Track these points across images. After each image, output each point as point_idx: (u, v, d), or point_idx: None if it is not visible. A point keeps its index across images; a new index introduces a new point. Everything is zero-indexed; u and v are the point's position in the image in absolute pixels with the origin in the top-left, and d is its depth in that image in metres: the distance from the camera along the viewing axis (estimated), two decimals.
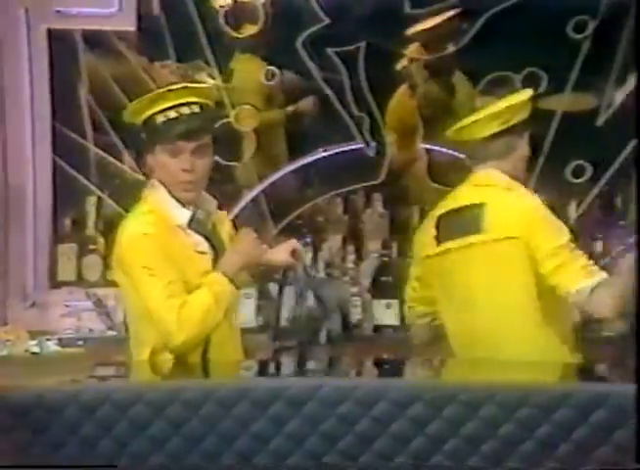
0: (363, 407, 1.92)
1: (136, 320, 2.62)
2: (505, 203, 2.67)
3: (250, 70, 4.02)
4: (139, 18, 3.99)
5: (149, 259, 2.48)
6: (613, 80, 3.82)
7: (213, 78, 4.00)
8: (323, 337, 2.63)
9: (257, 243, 2.58)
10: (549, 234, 2.60)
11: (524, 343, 2.61)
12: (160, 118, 2.54)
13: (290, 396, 1.93)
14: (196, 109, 2.56)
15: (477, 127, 2.70)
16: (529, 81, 3.80)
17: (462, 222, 2.70)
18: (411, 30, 3.94)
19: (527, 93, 2.78)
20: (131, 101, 3.84)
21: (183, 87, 2.59)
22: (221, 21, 4.01)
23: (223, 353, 2.55)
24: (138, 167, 3.97)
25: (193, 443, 1.95)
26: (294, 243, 2.72)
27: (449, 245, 2.71)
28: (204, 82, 3.93)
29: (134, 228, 2.56)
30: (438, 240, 2.74)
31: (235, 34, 4.00)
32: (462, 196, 2.75)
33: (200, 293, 2.48)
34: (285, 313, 2.72)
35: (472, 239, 2.66)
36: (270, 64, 4.00)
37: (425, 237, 2.79)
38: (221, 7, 4.00)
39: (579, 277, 2.54)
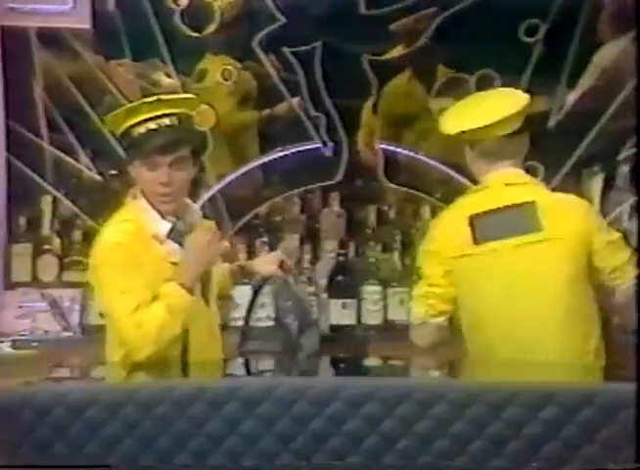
0: (318, 407, 1.93)
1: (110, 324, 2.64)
2: (556, 200, 2.74)
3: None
4: (94, 16, 3.95)
5: (118, 270, 2.49)
6: (563, 83, 3.89)
7: (170, 77, 3.99)
8: (302, 353, 2.65)
9: (209, 245, 2.55)
10: (608, 229, 2.75)
11: (556, 340, 2.67)
12: (139, 130, 2.54)
13: (244, 396, 1.95)
14: (175, 120, 2.56)
15: (501, 126, 2.73)
16: (483, 83, 3.86)
17: (511, 221, 2.73)
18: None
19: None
20: (87, 99, 3.93)
21: (157, 99, 2.59)
22: (177, 19, 3.99)
23: (203, 354, 2.56)
24: (95, 167, 3.95)
25: (146, 443, 1.97)
26: (279, 254, 2.75)
27: (495, 244, 2.73)
28: (161, 82, 3.93)
29: (109, 236, 2.57)
30: (477, 240, 2.75)
31: (191, 33, 3.99)
32: (498, 196, 2.78)
33: (154, 308, 2.48)
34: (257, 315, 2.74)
35: (531, 237, 2.69)
36: (227, 63, 4.00)
37: (457, 238, 2.79)
38: (177, 6, 3.99)
39: (632, 272, 2.63)
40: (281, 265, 2.71)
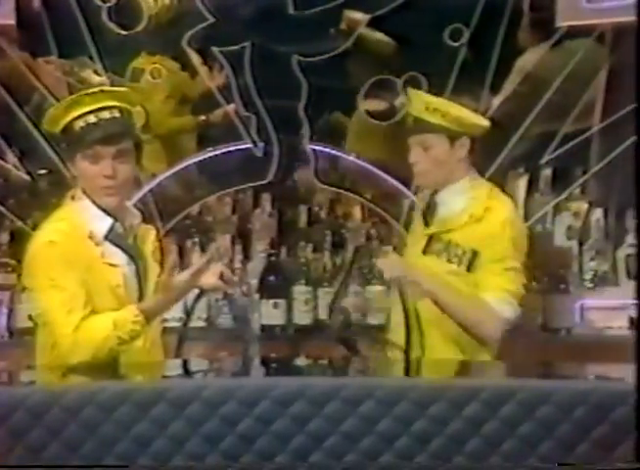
0: (246, 406, 1.94)
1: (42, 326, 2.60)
2: None
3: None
4: (18, 11, 3.87)
5: (52, 269, 2.48)
6: (487, 87, 3.99)
7: (99, 75, 3.94)
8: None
9: (181, 287, 2.56)
10: None
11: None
12: (79, 124, 2.51)
13: (172, 397, 1.96)
14: (116, 113, 2.55)
15: None
16: (410, 85, 3.93)
17: None
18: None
19: None
20: (14, 97, 3.85)
21: (100, 90, 2.59)
22: (105, 17, 3.95)
23: (137, 357, 2.56)
24: (22, 167, 3.87)
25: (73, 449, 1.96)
26: (221, 267, 2.75)
27: None
28: (90, 79, 3.88)
29: (42, 235, 2.55)
30: None
31: (119, 31, 3.95)
32: None
33: (101, 319, 2.47)
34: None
35: None
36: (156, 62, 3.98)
37: None
38: (104, 3, 3.94)
39: None
40: (222, 277, 2.73)
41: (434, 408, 1.95)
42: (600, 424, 1.93)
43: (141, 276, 2.62)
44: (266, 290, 3.76)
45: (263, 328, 3.77)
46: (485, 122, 3.03)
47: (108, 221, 2.57)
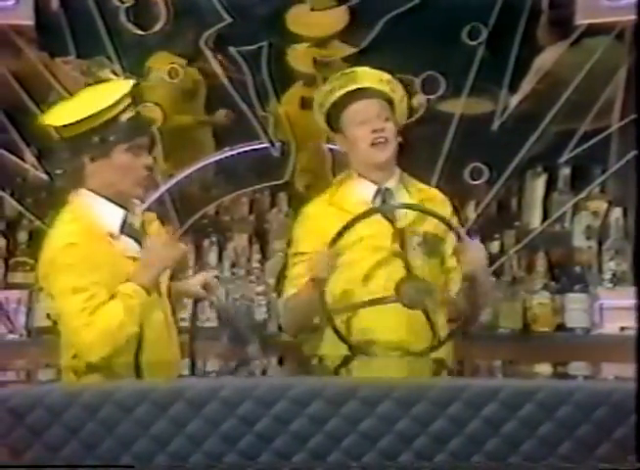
0: (264, 406, 1.94)
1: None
2: None
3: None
4: (37, 12, 3.90)
5: (74, 272, 2.46)
6: (506, 86, 3.97)
7: (117, 75, 3.95)
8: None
9: (167, 247, 2.54)
10: None
11: None
12: (126, 116, 2.51)
13: (190, 397, 1.95)
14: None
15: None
16: (428, 84, 3.93)
17: None
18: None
19: None
20: (32, 97, 3.86)
21: (136, 83, 2.62)
22: (123, 17, 3.96)
23: (158, 354, 2.55)
24: (41, 166, 3.89)
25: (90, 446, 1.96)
26: (206, 275, 2.75)
27: None
28: (107, 79, 3.89)
29: (60, 238, 2.52)
30: None
31: (137, 31, 3.96)
32: None
33: (111, 308, 2.46)
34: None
35: None
36: (173, 62, 3.98)
37: None
38: (122, 3, 3.95)
39: None
40: (205, 286, 2.72)
41: (452, 408, 1.94)
42: (620, 425, 1.91)
43: None
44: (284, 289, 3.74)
45: (281, 327, 3.78)
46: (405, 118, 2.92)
47: (120, 214, 2.55)
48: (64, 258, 2.48)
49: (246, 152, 4.00)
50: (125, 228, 2.55)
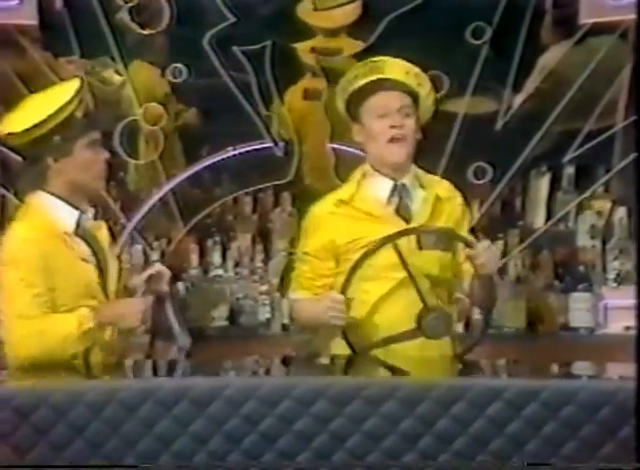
0: (268, 406, 1.94)
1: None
2: None
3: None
4: (41, 11, 3.90)
5: (24, 266, 2.47)
6: (510, 86, 3.97)
7: (120, 75, 3.95)
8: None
9: (139, 314, 2.51)
10: None
11: None
12: (81, 111, 2.54)
13: (194, 396, 1.95)
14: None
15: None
16: (432, 83, 3.91)
17: None
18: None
19: None
20: None
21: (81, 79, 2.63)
22: (126, 17, 3.96)
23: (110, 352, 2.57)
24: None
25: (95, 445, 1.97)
26: (155, 266, 2.67)
27: None
28: (111, 79, 3.90)
29: (19, 232, 2.53)
30: None
31: (140, 31, 3.97)
32: None
33: (61, 318, 2.47)
34: None
35: None
36: (176, 61, 3.98)
37: None
38: (126, 3, 3.95)
39: None
40: (150, 278, 2.61)
41: (456, 408, 1.93)
42: (625, 424, 1.91)
43: (103, 270, 2.59)
44: (287, 289, 3.75)
45: (284, 327, 3.78)
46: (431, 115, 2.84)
47: (75, 215, 2.55)
48: (18, 252, 2.49)
49: (249, 151, 3.99)
50: (79, 230, 2.56)
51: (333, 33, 3.98)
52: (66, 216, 2.55)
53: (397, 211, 2.70)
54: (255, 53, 3.97)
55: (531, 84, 3.96)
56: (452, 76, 3.94)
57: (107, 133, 2.73)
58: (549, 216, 3.95)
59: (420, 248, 2.66)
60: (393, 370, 2.46)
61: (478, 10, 3.93)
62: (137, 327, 2.53)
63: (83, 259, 2.53)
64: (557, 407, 1.92)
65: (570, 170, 3.95)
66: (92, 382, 2.33)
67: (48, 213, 2.54)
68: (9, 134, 2.54)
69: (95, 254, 2.57)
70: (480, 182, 3.97)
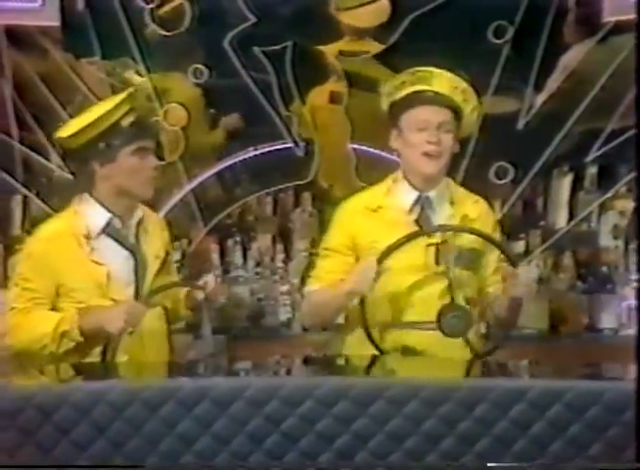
0: (290, 406, 1.94)
1: None
2: None
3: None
4: (63, 13, 3.92)
5: (26, 261, 2.65)
6: (532, 85, 3.95)
7: (141, 76, 3.96)
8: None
9: (120, 319, 2.53)
10: None
11: None
12: (128, 120, 2.63)
13: (215, 396, 1.95)
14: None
15: None
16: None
17: None
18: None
19: None
20: (57, 98, 3.89)
21: (132, 91, 2.74)
22: (147, 18, 3.97)
23: (143, 355, 2.62)
24: (65, 166, 3.91)
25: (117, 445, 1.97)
26: (207, 279, 2.71)
27: None
28: (132, 80, 3.91)
29: (37, 230, 2.71)
30: None
31: (162, 32, 3.98)
32: None
33: (50, 315, 2.57)
34: None
35: None
36: (198, 62, 3.99)
37: None
38: (147, 4, 3.97)
39: None
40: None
41: (479, 409, 1.92)
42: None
43: (139, 273, 2.67)
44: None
45: (305, 327, 3.77)
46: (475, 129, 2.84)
47: (105, 218, 2.65)
48: (27, 248, 2.68)
49: (270, 152, 3.99)
50: (109, 230, 2.64)
51: (360, 34, 3.97)
52: (94, 219, 2.64)
53: (417, 222, 2.70)
54: (276, 53, 3.96)
55: (553, 83, 3.93)
56: (473, 76, 3.90)
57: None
58: (571, 217, 3.92)
59: (437, 263, 2.65)
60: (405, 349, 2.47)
61: (499, 9, 3.91)
62: (121, 332, 2.55)
63: (94, 261, 2.61)
64: (582, 409, 1.90)
65: (592, 170, 3.92)
66: (113, 381, 2.32)
67: (76, 215, 2.65)
68: (60, 138, 2.69)
69: (133, 255, 2.65)
70: (502, 182, 3.96)
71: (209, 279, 2.70)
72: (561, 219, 3.96)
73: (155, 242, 2.72)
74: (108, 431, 1.96)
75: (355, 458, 1.92)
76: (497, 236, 2.79)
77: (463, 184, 3.40)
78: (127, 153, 2.63)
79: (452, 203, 2.74)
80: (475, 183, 3.72)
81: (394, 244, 2.58)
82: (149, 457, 1.93)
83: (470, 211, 2.73)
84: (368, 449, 1.92)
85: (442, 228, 2.67)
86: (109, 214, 2.64)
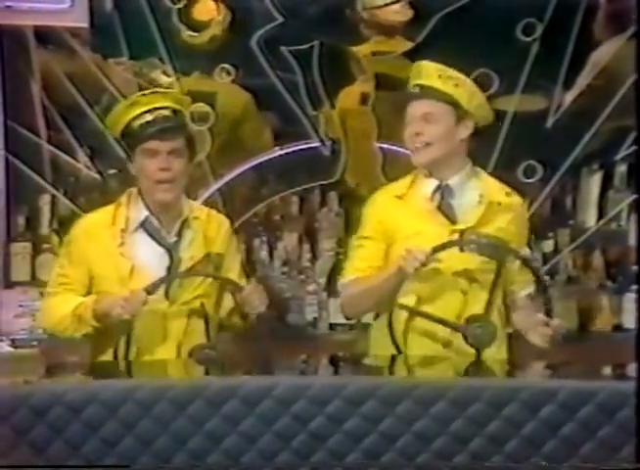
0: (317, 405, 1.93)
1: None
2: None
3: None
4: (91, 14, 3.94)
5: (64, 248, 2.80)
6: (561, 83, 3.92)
7: (168, 76, 3.98)
8: None
9: (128, 306, 2.60)
10: None
11: None
12: (139, 122, 2.70)
13: (244, 395, 1.95)
14: (169, 112, 2.74)
15: None
16: (481, 82, 3.87)
17: None
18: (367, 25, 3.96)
19: None
20: (85, 98, 3.92)
21: (153, 92, 2.82)
22: (175, 18, 3.99)
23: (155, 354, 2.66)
24: (93, 166, 3.94)
25: (145, 443, 1.97)
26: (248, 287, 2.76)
27: None
28: (160, 80, 3.93)
29: (80, 221, 2.83)
30: None
31: (189, 32, 3.99)
32: None
33: (73, 299, 2.67)
34: None
35: None
36: (225, 62, 4.00)
37: None
38: (174, 4, 3.98)
39: None
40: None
41: (507, 409, 1.92)
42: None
43: (172, 272, 2.70)
44: (335, 289, 3.74)
45: (332, 326, 3.77)
46: (492, 114, 2.85)
47: (144, 213, 2.72)
48: (68, 236, 2.79)
49: (296, 151, 3.99)
50: (146, 226, 2.71)
51: (389, 33, 3.96)
52: (134, 214, 2.72)
53: (439, 209, 2.73)
54: (303, 53, 3.96)
55: (583, 81, 3.90)
56: (502, 74, 3.89)
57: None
58: (601, 215, 3.89)
59: (461, 249, 2.64)
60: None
61: (528, 7, 3.89)
62: (127, 317, 2.61)
63: (121, 254, 2.68)
64: (612, 410, 1.89)
65: (622, 168, 3.89)
66: (141, 380, 2.33)
67: (119, 208, 2.74)
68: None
69: (170, 253, 2.70)
70: (531, 181, 3.93)
71: (248, 285, 2.74)
72: (590, 218, 3.92)
73: (198, 242, 2.74)
74: (135, 429, 1.96)
75: (382, 458, 1.92)
76: (527, 234, 2.83)
77: None
78: (138, 153, 2.71)
79: (477, 189, 2.76)
80: (503, 182, 3.72)
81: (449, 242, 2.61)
82: (177, 456, 1.93)
83: (501, 199, 2.76)
84: (396, 449, 1.92)
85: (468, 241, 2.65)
86: (146, 212, 2.71)
